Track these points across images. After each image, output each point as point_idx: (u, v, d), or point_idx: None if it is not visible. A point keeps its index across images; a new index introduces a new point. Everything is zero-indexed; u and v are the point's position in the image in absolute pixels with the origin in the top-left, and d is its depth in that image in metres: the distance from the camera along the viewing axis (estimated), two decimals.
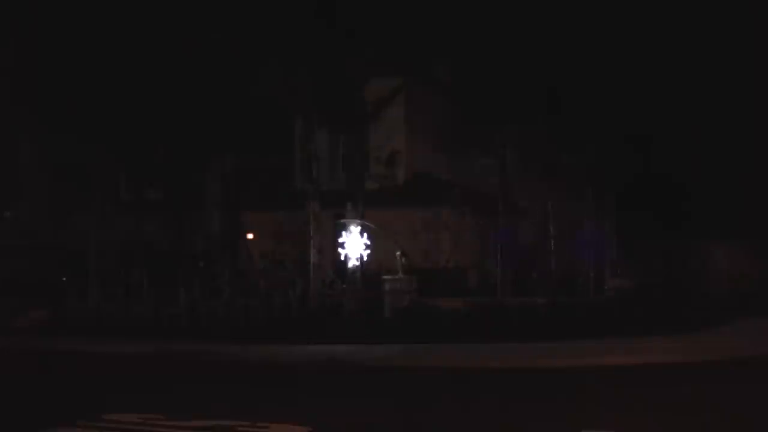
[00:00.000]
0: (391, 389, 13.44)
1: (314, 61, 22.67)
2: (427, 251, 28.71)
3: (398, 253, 23.28)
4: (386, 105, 24.38)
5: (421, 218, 29.99)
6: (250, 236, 29.92)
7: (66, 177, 30.78)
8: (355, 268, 22.81)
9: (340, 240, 23.19)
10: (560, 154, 31.31)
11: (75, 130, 27.73)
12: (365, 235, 23.02)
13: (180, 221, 31.72)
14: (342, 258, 23.35)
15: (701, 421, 10.51)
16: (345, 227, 23.22)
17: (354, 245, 22.83)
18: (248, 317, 20.54)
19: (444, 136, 29.49)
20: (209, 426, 9.89)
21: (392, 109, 25.68)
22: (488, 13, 24.34)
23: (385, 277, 22.56)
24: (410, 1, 22.97)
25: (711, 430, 10.14)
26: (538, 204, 30.18)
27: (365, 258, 23.30)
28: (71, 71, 26.88)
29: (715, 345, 18.51)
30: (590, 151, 30.10)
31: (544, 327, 19.29)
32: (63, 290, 24.20)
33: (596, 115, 28.73)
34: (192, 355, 17.23)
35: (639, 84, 28.52)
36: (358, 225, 22.88)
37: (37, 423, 10.18)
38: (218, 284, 25.05)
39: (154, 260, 27.97)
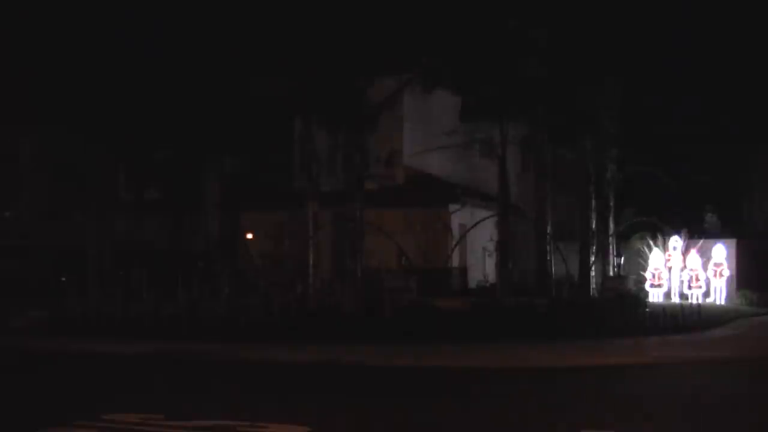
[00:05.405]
0: (391, 389, 13.44)
1: (314, 61, 22.69)
2: (427, 251, 28.70)
3: (397, 252, 23.30)
4: (386, 105, 24.38)
5: (421, 218, 29.99)
6: (249, 236, 29.95)
7: (66, 177, 30.82)
8: (355, 268, 22.82)
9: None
10: (559, 154, 31.33)
11: (75, 130, 27.77)
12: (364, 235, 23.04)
13: (179, 221, 31.75)
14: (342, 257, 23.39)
15: (702, 420, 10.52)
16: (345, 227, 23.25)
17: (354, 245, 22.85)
18: (248, 317, 20.53)
19: (444, 136, 29.48)
20: (209, 426, 9.90)
21: (392, 109, 25.67)
22: (486, 13, 24.35)
23: (385, 276, 22.54)
24: (410, 1, 23.01)
25: (711, 430, 10.15)
26: (538, 204, 30.17)
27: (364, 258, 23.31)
28: (71, 70, 26.93)
29: (716, 344, 18.56)
30: (589, 151, 30.11)
31: (543, 327, 19.30)
32: (62, 290, 24.19)
33: (594, 115, 28.75)
34: (191, 355, 17.23)
35: (637, 83, 28.57)
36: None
37: (37, 423, 10.18)
38: (217, 284, 25.08)
39: (154, 260, 28.01)
